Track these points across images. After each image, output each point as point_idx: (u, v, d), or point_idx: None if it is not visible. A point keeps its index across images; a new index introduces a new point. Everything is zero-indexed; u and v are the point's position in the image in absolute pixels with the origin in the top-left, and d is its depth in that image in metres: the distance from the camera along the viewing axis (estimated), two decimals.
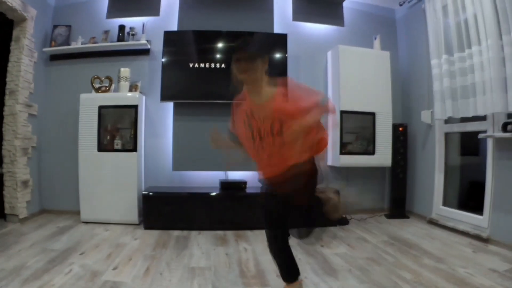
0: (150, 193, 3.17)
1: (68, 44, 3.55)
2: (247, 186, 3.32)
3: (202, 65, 3.37)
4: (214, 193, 3.21)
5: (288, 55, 3.47)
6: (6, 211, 3.24)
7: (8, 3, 2.99)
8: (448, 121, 3.25)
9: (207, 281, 1.96)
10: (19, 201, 3.24)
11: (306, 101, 1.50)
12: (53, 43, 3.56)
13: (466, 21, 2.81)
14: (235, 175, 3.54)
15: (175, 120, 3.50)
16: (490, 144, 2.73)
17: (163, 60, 3.39)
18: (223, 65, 3.37)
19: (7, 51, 3.35)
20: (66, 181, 3.54)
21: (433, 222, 3.25)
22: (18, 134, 3.24)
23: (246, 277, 2.04)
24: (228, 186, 3.31)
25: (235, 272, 2.11)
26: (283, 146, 1.48)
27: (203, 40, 3.41)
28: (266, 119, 1.49)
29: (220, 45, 3.45)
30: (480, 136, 2.72)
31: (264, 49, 1.63)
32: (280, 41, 3.44)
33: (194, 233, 2.99)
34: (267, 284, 1.93)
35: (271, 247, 1.63)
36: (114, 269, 2.12)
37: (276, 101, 1.50)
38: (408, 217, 3.55)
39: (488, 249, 2.51)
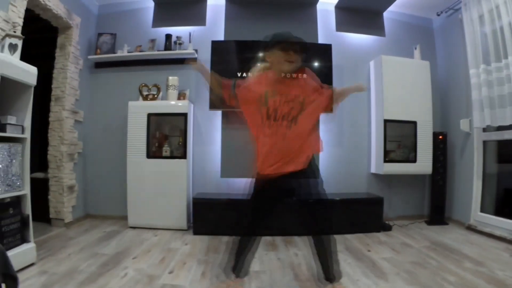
0: (199, 199, 3.32)
1: (114, 52, 3.74)
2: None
3: (249, 74, 3.56)
4: None
5: (333, 64, 3.67)
6: (51, 216, 3.41)
7: (53, 11, 3.17)
8: (486, 129, 3.42)
9: (264, 284, 2.09)
10: (65, 205, 3.41)
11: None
12: (98, 50, 3.75)
13: (502, 31, 3.00)
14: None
15: (223, 128, 3.69)
16: None
17: (211, 68, 3.57)
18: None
19: (52, 58, 3.54)
20: (110, 187, 3.73)
21: (471, 228, 3.41)
22: (64, 140, 3.42)
23: (300, 280, 2.17)
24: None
25: (290, 275, 2.25)
26: (295, 137, 1.69)
27: (249, 50, 3.60)
28: (287, 101, 1.68)
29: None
30: None
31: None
32: (325, 51, 3.66)
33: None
34: (321, 287, 2.05)
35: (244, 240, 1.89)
36: (170, 273, 2.24)
37: (301, 85, 1.75)
38: (447, 224, 3.72)
39: None
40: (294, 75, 1.79)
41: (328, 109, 1.92)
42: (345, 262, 2.49)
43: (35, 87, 2.43)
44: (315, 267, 2.38)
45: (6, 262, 1.34)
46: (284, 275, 2.27)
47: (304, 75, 1.83)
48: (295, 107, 1.68)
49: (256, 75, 1.81)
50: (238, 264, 1.93)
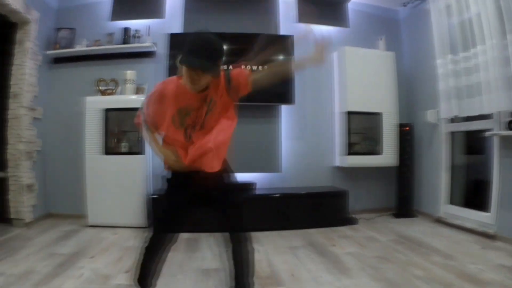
0: (158, 196, 3.21)
1: (72, 47, 3.61)
2: (256, 187, 3.39)
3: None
4: None
5: (294, 56, 3.55)
6: (11, 216, 3.29)
7: (11, 6, 3.05)
8: (453, 120, 3.36)
9: (221, 283, 2.00)
10: (24, 205, 3.30)
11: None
12: (56, 46, 3.62)
13: (470, 21, 2.92)
14: (244, 177, 3.60)
15: None
16: (495, 142, 2.84)
17: (169, 62, 3.46)
18: (230, 67, 3.46)
19: (10, 55, 3.41)
20: (71, 185, 3.59)
21: (440, 221, 3.35)
22: (22, 137, 3.30)
23: (260, 277, 2.10)
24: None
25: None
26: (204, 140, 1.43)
27: None
28: (198, 109, 1.44)
29: (226, 47, 3.54)
30: (486, 134, 2.83)
31: (223, 55, 1.43)
32: (286, 42, 3.55)
33: (204, 235, 3.05)
34: (282, 284, 1.99)
35: (153, 249, 1.57)
36: (126, 272, 2.16)
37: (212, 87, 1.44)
38: (415, 216, 3.66)
39: (495, 245, 2.61)
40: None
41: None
42: (307, 258, 2.43)
43: None
44: (276, 264, 2.32)
45: None
46: None
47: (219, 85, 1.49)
48: (203, 110, 1.46)
49: (159, 89, 1.50)
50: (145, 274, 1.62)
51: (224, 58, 1.45)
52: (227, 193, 1.60)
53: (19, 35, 3.39)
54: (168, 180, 1.60)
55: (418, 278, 2.00)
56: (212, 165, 1.45)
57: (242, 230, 1.64)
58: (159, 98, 1.49)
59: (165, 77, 3.47)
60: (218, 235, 2.94)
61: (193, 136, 1.47)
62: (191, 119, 1.46)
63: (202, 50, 1.31)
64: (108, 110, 3.32)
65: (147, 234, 1.59)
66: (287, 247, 2.71)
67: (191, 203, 1.59)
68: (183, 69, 1.36)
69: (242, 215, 1.65)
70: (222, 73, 1.47)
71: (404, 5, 3.87)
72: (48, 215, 3.64)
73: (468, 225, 3.02)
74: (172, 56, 3.46)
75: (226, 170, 1.59)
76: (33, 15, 3.40)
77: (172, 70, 3.45)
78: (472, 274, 2.03)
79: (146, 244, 1.57)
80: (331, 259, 2.41)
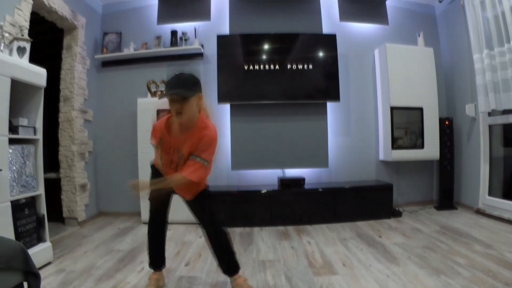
0: (213, 192, 3.26)
1: (120, 51, 3.68)
2: (305, 182, 3.45)
3: (255, 67, 3.49)
4: (273, 190, 3.33)
5: (338, 54, 3.60)
6: (65, 215, 3.37)
7: (58, 13, 3.11)
8: (491, 113, 3.36)
9: (279, 272, 2.08)
10: (78, 204, 3.38)
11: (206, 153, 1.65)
12: (104, 50, 3.68)
13: (504, 16, 2.92)
14: (293, 172, 3.68)
15: (232, 121, 3.62)
16: None
17: (218, 63, 3.50)
18: (276, 66, 3.51)
19: (59, 59, 3.46)
20: (122, 184, 3.64)
21: (480, 212, 3.37)
22: (74, 139, 3.38)
23: (314, 267, 2.17)
24: (287, 183, 3.44)
25: (304, 263, 2.24)
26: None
27: (254, 43, 3.53)
28: (169, 152, 1.72)
29: (270, 46, 3.57)
30: None
31: (196, 85, 1.61)
32: (330, 41, 3.58)
33: (256, 229, 3.11)
34: (335, 273, 2.06)
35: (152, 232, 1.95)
36: (186, 265, 2.24)
37: (192, 139, 1.64)
38: (456, 208, 3.67)
39: None
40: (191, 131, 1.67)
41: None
42: (357, 249, 2.50)
43: (47, 89, 2.38)
44: (328, 254, 2.39)
45: (27, 260, 1.29)
46: (298, 263, 2.25)
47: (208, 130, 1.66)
48: (174, 160, 1.71)
49: (161, 119, 1.82)
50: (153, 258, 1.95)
51: (197, 87, 1.62)
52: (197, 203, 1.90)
53: (67, 41, 3.46)
54: (154, 172, 1.92)
55: (460, 265, 2.07)
56: (184, 195, 1.88)
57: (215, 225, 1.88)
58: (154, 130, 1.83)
59: (214, 78, 3.54)
60: (269, 229, 3.05)
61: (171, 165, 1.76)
62: (166, 153, 1.74)
63: (175, 82, 1.59)
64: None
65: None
66: (336, 238, 2.78)
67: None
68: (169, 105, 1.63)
69: (213, 215, 1.90)
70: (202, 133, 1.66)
71: (440, 1, 3.85)
72: (100, 213, 3.73)
73: (506, 215, 3.04)
74: (220, 56, 3.50)
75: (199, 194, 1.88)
76: (80, 21, 3.45)
77: (221, 71, 3.49)
78: (510, 262, 2.08)
79: (148, 230, 1.91)
80: (379, 249, 2.47)
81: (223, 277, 1.98)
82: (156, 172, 1.88)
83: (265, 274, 2.05)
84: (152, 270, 1.93)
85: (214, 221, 1.85)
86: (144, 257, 2.36)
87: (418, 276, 1.94)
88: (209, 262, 2.26)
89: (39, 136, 2.34)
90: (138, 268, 2.17)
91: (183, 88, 1.56)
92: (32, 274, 1.30)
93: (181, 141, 1.67)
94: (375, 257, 2.29)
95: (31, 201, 2.25)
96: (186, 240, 2.82)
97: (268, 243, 2.72)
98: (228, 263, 1.86)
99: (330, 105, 3.74)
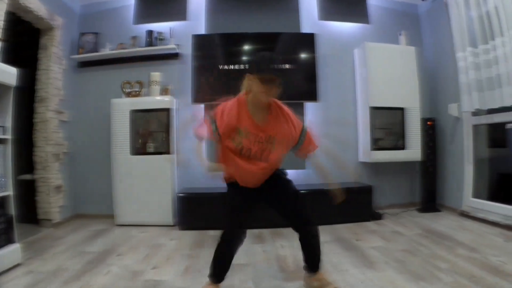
0: (185, 195, 3.23)
1: (96, 51, 3.66)
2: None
3: (231, 67, 3.46)
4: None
5: (317, 54, 3.56)
6: (39, 216, 3.34)
7: (34, 12, 3.10)
8: (475, 113, 3.30)
9: (247, 277, 2.03)
10: (52, 206, 3.35)
11: (295, 129, 1.63)
12: (81, 50, 3.68)
13: (488, 13, 2.88)
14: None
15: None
16: None
17: (193, 63, 3.48)
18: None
19: (36, 59, 3.45)
20: (98, 186, 3.64)
21: (464, 214, 3.31)
22: (49, 140, 3.35)
23: (285, 271, 2.11)
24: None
25: (274, 267, 2.18)
26: (265, 169, 1.62)
27: (231, 43, 3.52)
28: (258, 143, 1.57)
29: (247, 46, 3.56)
30: (508, 126, 2.79)
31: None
32: (308, 40, 3.55)
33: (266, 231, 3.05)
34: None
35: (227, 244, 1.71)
36: (154, 268, 2.19)
37: (272, 123, 1.59)
38: (440, 210, 3.61)
39: None
40: (269, 112, 1.62)
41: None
42: (333, 253, 2.42)
43: (22, 89, 2.38)
44: (301, 259, 2.30)
45: None
46: (269, 267, 2.19)
47: (283, 111, 1.65)
48: (267, 147, 1.58)
49: (230, 103, 1.62)
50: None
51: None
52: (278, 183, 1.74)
53: (44, 41, 3.45)
54: (230, 185, 1.74)
55: (441, 270, 1.99)
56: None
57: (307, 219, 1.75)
58: (228, 113, 1.58)
59: (189, 78, 3.51)
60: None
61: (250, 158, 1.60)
62: (249, 143, 1.57)
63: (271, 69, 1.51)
64: (134, 111, 3.35)
65: (221, 232, 1.72)
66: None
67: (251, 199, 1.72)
68: (254, 84, 1.53)
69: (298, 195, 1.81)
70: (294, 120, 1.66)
71: (423, 0, 3.84)
72: (76, 215, 3.69)
73: (492, 218, 2.98)
74: (196, 56, 3.47)
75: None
76: (57, 21, 3.44)
77: (196, 71, 3.47)
78: (495, 266, 2.00)
79: (221, 240, 1.69)
80: (356, 253, 2.40)
81: (189, 282, 1.94)
82: (236, 187, 1.69)
83: (233, 279, 1.98)
84: (208, 281, 1.74)
85: (302, 204, 1.78)
86: (113, 260, 2.34)
87: (395, 281, 1.86)
88: (177, 266, 2.23)
89: (9, 135, 2.30)
90: (104, 271, 2.14)
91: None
92: None
93: (270, 123, 1.61)
94: (351, 262, 2.22)
95: (0, 202, 2.21)
96: (158, 243, 2.79)
97: (242, 246, 2.67)
98: (317, 258, 1.76)
99: (309, 106, 3.71)
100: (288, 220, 1.76)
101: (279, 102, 1.65)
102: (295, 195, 1.78)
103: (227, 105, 1.61)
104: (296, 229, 1.75)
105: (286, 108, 1.67)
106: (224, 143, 1.60)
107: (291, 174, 3.60)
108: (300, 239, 1.76)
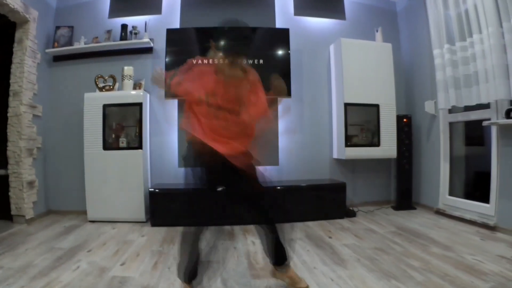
0: (157, 190, 3.23)
1: (71, 45, 3.65)
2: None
3: (205, 61, 3.47)
4: (220, 189, 3.29)
5: (291, 49, 3.57)
6: (12, 212, 3.33)
7: (10, 5, 3.09)
8: (451, 110, 3.32)
9: (215, 274, 2.04)
10: (25, 202, 3.33)
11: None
12: (55, 44, 3.67)
13: (466, 11, 2.89)
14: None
15: (179, 117, 3.59)
16: (494, 132, 2.81)
17: (166, 58, 3.48)
18: (226, 61, 3.48)
19: (10, 53, 3.45)
20: (71, 181, 3.64)
21: (440, 212, 3.33)
22: (22, 135, 3.34)
23: (254, 269, 2.11)
24: None
25: (244, 264, 2.19)
26: (238, 122, 1.64)
27: (205, 37, 3.50)
28: (228, 100, 1.62)
29: (222, 41, 3.55)
30: (485, 123, 2.79)
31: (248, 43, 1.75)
32: (282, 36, 3.56)
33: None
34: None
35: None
36: (122, 264, 2.21)
37: (250, 83, 1.69)
38: (415, 208, 3.63)
39: (495, 237, 2.59)
40: (238, 75, 1.71)
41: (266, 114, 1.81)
42: (303, 250, 2.44)
43: None
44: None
45: None
46: (238, 264, 2.21)
47: (251, 75, 1.74)
48: (236, 105, 1.65)
49: (197, 70, 1.72)
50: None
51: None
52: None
53: (18, 34, 3.43)
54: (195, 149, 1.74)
55: (414, 269, 1.99)
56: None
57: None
58: (196, 82, 1.69)
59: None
60: (214, 228, 3.01)
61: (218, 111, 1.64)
62: (217, 101, 1.63)
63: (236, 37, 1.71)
64: (106, 106, 3.35)
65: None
66: (283, 239, 2.71)
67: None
68: (219, 55, 1.71)
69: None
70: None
71: None
72: (48, 211, 3.68)
73: (468, 216, 3.00)
74: (169, 51, 3.48)
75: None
76: (32, 14, 3.43)
77: (169, 65, 3.47)
78: (470, 265, 2.01)
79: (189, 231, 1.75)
80: (327, 250, 2.41)
81: (156, 279, 1.94)
82: (196, 148, 1.69)
83: (201, 276, 1.96)
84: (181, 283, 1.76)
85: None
86: (82, 256, 2.34)
87: (365, 280, 1.87)
88: (146, 262, 2.24)
89: None
90: (73, 267, 2.15)
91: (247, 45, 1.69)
92: None
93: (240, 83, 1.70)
94: (321, 259, 2.23)
95: None
96: (128, 239, 2.80)
97: (210, 243, 2.65)
98: (283, 249, 1.78)
99: (281, 101, 3.71)
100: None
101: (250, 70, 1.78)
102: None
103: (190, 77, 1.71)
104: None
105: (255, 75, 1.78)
106: (189, 93, 1.68)
107: (263, 170, 3.64)
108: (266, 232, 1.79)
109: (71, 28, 3.71)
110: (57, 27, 3.72)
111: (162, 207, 3.19)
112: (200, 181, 1.76)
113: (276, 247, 1.78)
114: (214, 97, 1.61)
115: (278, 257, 1.80)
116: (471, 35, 2.87)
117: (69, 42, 3.67)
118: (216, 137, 1.61)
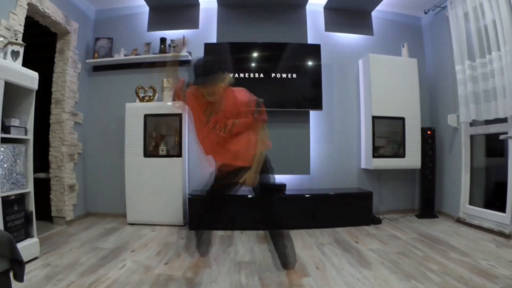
0: (194, 196, 3.46)
1: (111, 56, 3.93)
2: (286, 188, 3.68)
3: (241, 75, 3.75)
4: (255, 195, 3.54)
5: (322, 64, 3.85)
6: (53, 214, 3.60)
7: (52, 17, 3.35)
8: (472, 124, 3.53)
9: (253, 273, 2.24)
10: (66, 204, 3.60)
11: (249, 98, 2.04)
12: (95, 54, 3.94)
13: (486, 28, 3.13)
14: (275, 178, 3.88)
15: None
16: (511, 144, 3.04)
17: None
18: (261, 75, 3.77)
19: (52, 62, 3.72)
20: (110, 185, 3.92)
21: (460, 221, 3.54)
22: (65, 141, 3.61)
23: (288, 270, 2.25)
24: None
25: (278, 265, 2.31)
26: (234, 141, 2.05)
27: (240, 51, 3.79)
28: (221, 117, 2.00)
29: (257, 55, 3.84)
30: (501, 137, 3.02)
31: (220, 67, 1.99)
32: (314, 51, 3.84)
33: (237, 232, 3.30)
34: (308, 275, 2.21)
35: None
36: (166, 264, 2.41)
37: (228, 98, 2.02)
38: (437, 217, 3.86)
39: (509, 244, 2.77)
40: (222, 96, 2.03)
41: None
42: (332, 253, 2.65)
43: (38, 91, 2.62)
44: (303, 257, 2.57)
45: (13, 248, 1.50)
46: (273, 265, 2.39)
47: (234, 93, 2.05)
48: (228, 122, 2.02)
49: (197, 92, 2.05)
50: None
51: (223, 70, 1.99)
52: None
53: (59, 45, 3.71)
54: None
55: (432, 271, 2.19)
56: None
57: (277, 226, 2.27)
58: (199, 98, 2.07)
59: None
60: (249, 232, 3.25)
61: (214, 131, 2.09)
62: (215, 119, 2.05)
63: (203, 70, 1.91)
64: (147, 116, 3.62)
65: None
66: (313, 243, 2.94)
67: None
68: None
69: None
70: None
71: (425, 13, 4.07)
72: (87, 214, 3.96)
73: (486, 225, 3.20)
74: None
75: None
76: (73, 26, 3.70)
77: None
78: (484, 269, 2.20)
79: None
80: (354, 254, 2.62)
81: (199, 277, 2.15)
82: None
83: (240, 274, 2.21)
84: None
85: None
86: (126, 255, 2.57)
87: (388, 280, 2.07)
88: (188, 262, 2.45)
89: (30, 136, 2.57)
90: (119, 265, 2.35)
91: (212, 74, 1.90)
92: (17, 262, 1.50)
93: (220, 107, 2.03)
94: (349, 261, 2.44)
95: (21, 198, 2.48)
96: (168, 241, 3.02)
97: (246, 246, 2.89)
98: (283, 255, 2.19)
99: (313, 113, 3.98)
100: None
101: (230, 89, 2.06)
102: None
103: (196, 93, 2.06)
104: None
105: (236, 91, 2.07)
106: (191, 107, 2.14)
107: (295, 178, 3.90)
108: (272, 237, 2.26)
109: (110, 39, 3.98)
110: (97, 39, 4.00)
111: (199, 212, 3.42)
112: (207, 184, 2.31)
113: (277, 252, 2.22)
114: (213, 113, 2.03)
115: (281, 262, 2.22)
116: (490, 52, 3.08)
117: (109, 53, 3.95)
118: (213, 149, 2.14)
